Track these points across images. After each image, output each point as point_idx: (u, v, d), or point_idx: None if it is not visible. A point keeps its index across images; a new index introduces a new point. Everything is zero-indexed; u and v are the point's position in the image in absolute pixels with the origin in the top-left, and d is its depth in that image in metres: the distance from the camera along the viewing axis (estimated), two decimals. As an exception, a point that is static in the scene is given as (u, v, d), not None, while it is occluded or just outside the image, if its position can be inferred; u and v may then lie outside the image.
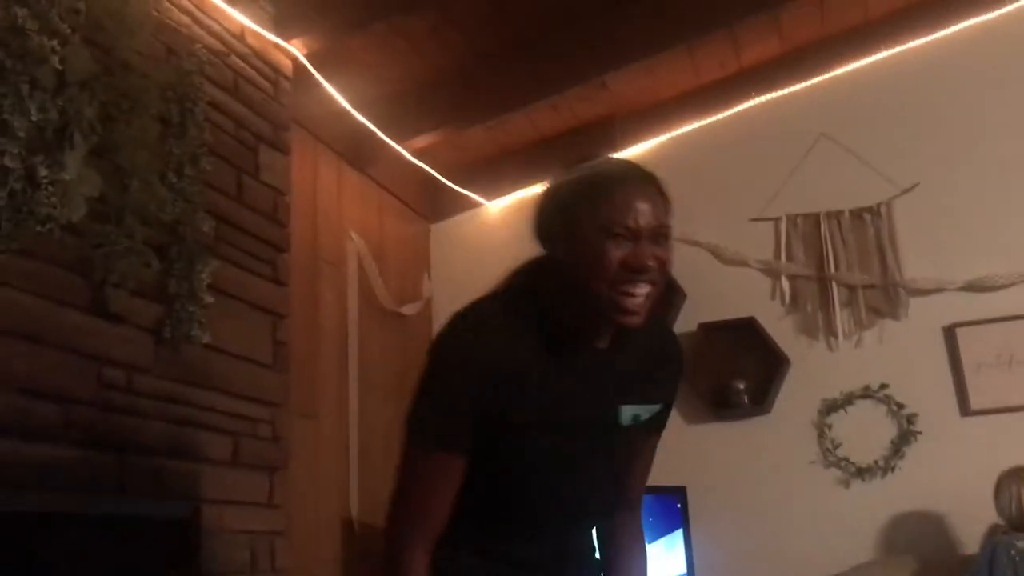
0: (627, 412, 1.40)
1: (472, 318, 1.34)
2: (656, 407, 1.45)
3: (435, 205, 4.08)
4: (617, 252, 1.27)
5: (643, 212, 1.28)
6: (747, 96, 3.78)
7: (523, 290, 1.37)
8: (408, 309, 3.70)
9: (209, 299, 2.24)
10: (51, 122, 1.87)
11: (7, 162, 1.76)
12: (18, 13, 1.81)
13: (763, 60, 3.70)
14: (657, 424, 1.49)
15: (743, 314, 3.64)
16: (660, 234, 1.30)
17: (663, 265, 1.30)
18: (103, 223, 2.01)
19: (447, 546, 1.34)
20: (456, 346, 1.33)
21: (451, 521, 1.34)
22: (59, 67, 1.89)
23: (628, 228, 1.27)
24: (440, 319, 4.42)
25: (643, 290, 1.29)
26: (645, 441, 1.50)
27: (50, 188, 1.84)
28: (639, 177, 1.34)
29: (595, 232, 1.27)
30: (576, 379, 1.35)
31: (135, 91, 2.13)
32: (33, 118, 1.81)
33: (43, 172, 1.83)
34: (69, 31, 1.94)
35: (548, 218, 1.35)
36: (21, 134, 1.79)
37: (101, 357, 2.01)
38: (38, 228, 1.83)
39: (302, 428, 2.89)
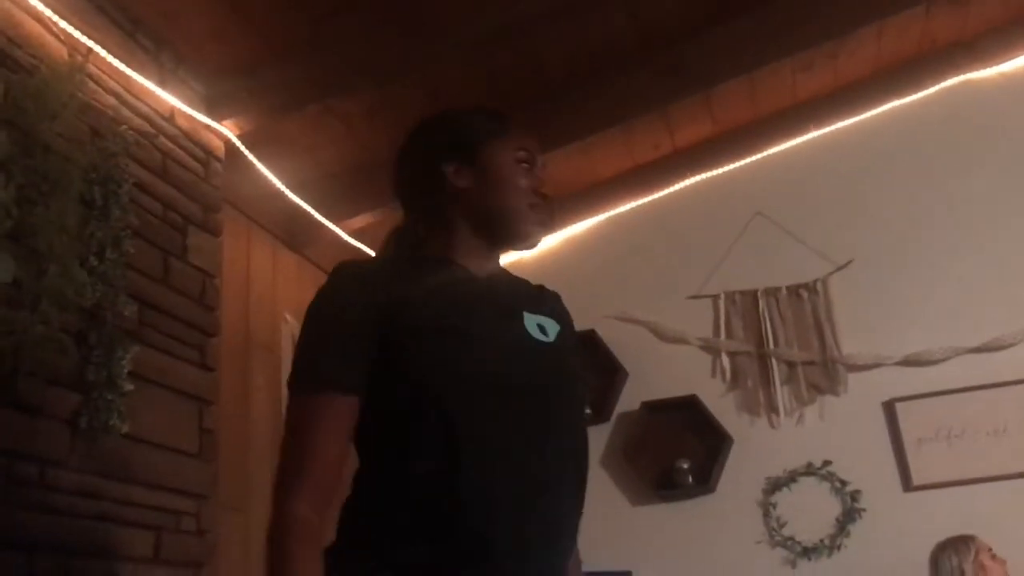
0: (530, 320, 1.36)
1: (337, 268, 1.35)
2: (555, 325, 1.40)
3: (374, 286, 4.02)
4: (526, 179, 1.41)
5: (537, 145, 1.46)
6: (682, 176, 3.84)
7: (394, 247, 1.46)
8: (345, 393, 3.61)
9: (129, 387, 2.14)
10: (-36, 205, 1.80)
11: (-88, 247, 1.68)
12: (-71, 93, 1.76)
13: (697, 141, 3.76)
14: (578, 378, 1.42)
15: (685, 392, 3.62)
16: (543, 167, 1.46)
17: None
18: (16, 309, 1.92)
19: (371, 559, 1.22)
20: (323, 290, 1.32)
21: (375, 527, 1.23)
22: (-25, 149, 1.83)
23: (533, 157, 1.43)
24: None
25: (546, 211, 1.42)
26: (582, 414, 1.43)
27: (-39, 272, 1.76)
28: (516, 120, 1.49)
29: (510, 162, 1.41)
30: (463, 290, 1.35)
31: (55, 173, 2.07)
32: (-57, 201, 1.74)
33: (-47, 256, 1.75)
34: (-14, 114, 1.88)
35: (437, 160, 1.42)
36: (-72, 217, 1.71)
37: (12, 451, 1.90)
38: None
39: (231, 522, 2.76)
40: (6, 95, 1.97)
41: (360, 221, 3.54)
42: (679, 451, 3.57)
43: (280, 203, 3.20)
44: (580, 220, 3.93)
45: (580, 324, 4.02)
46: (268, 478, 3.21)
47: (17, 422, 1.92)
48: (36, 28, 2.18)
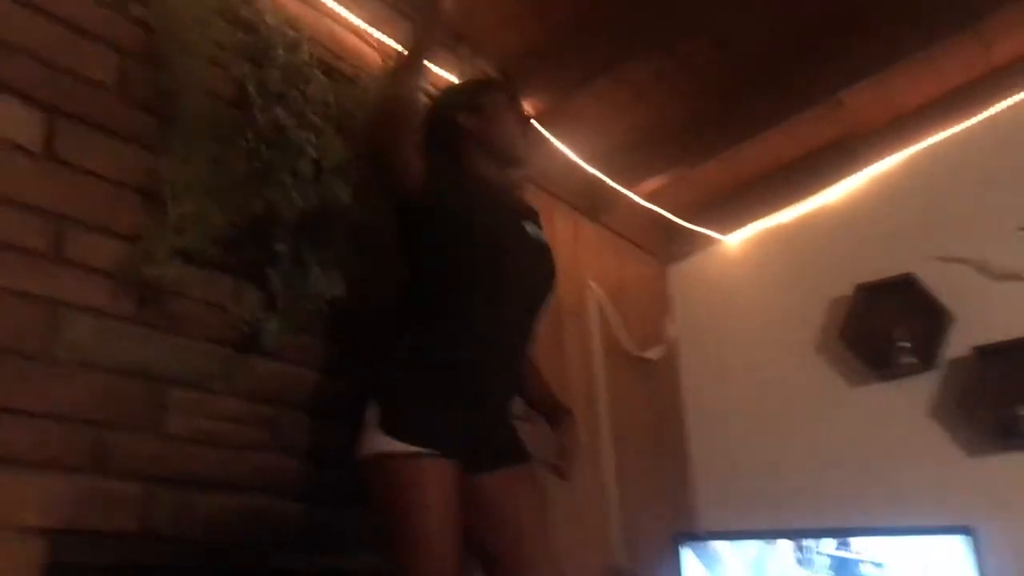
0: (528, 225, 2.03)
1: None
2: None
3: (672, 246, 4.05)
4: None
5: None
6: (1003, 96, 3.48)
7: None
8: (653, 353, 3.68)
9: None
10: (312, 208, 2.04)
11: (278, 248, 1.95)
12: (279, 113, 2.01)
13: (1019, 54, 3.39)
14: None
15: (1022, 333, 3.31)
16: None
17: None
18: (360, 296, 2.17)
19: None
20: None
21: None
22: (316, 157, 2.07)
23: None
24: (686, 361, 4.32)
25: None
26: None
27: (316, 268, 2.01)
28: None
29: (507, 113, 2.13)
30: (491, 192, 2.01)
31: (382, 172, 2.29)
32: (297, 205, 1.99)
33: (308, 254, 2.00)
34: (322, 123, 2.12)
35: (455, 109, 2.13)
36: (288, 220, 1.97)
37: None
38: (308, 306, 2.00)
39: (558, 484, 2.91)
40: (336, 105, 2.20)
41: (654, 183, 3.58)
42: (1022, 396, 3.27)
43: (576, 175, 3.31)
44: (885, 157, 3.69)
45: (896, 268, 3.75)
46: (586, 439, 3.33)
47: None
48: (353, 40, 2.42)
